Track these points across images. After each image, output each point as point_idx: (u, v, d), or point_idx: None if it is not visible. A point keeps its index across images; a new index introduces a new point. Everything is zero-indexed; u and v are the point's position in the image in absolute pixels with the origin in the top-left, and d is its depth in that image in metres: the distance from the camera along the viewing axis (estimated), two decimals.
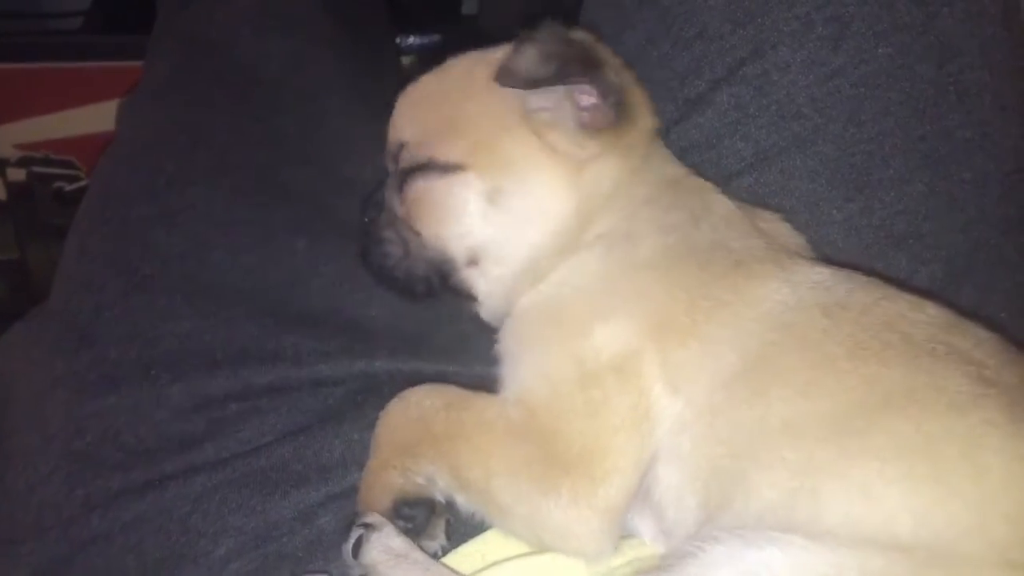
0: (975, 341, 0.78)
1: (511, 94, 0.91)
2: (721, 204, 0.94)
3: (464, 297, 0.98)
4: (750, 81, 1.01)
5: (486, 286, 0.96)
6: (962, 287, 0.96)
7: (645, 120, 0.96)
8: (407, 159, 0.95)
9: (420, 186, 0.94)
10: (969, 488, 0.69)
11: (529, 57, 0.88)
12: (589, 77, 0.89)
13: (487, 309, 0.98)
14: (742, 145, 1.02)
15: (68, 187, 2.13)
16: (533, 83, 0.89)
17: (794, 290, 0.83)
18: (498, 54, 0.94)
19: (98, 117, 2.07)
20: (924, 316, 0.80)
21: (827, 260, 0.92)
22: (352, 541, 0.85)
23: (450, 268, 0.96)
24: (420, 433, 0.87)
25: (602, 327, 0.84)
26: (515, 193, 0.92)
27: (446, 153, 0.93)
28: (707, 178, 1.02)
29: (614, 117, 0.92)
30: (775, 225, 0.95)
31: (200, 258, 1.08)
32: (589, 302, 0.88)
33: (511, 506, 0.84)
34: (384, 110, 1.48)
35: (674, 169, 0.99)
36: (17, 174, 2.13)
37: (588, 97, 0.91)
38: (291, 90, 1.37)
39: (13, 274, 2.13)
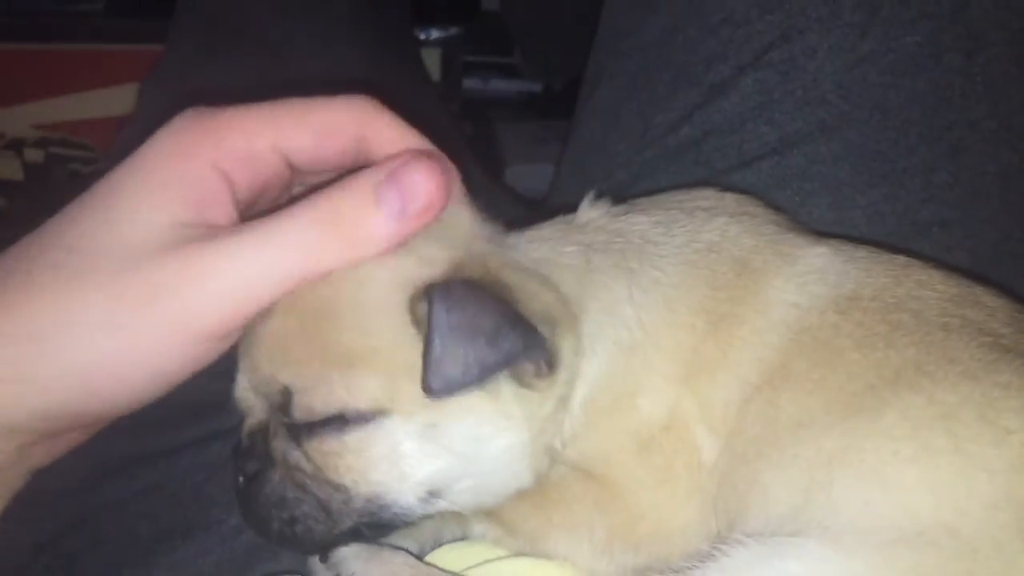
0: (989, 311, 0.76)
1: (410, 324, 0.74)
2: (654, 220, 0.85)
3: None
4: (776, 66, 1.01)
5: (466, 503, 0.80)
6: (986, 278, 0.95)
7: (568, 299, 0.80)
8: (303, 410, 0.74)
9: (334, 442, 0.75)
10: (991, 455, 0.65)
11: (451, 353, 0.70)
12: (530, 349, 0.73)
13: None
14: (766, 130, 1.01)
15: (84, 169, 2.14)
16: (477, 381, 0.71)
17: (801, 286, 0.79)
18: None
19: (117, 100, 2.07)
20: (934, 292, 0.77)
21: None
22: None
23: (397, 510, 0.77)
24: None
25: (644, 398, 0.79)
26: (456, 424, 0.75)
27: (358, 400, 0.73)
28: (728, 162, 1.02)
29: (548, 370, 0.76)
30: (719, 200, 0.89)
31: None
32: (622, 387, 0.80)
33: (564, 556, 0.80)
34: (402, 103, 1.49)
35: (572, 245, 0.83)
36: (35, 155, 2.13)
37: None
38: (311, 70, 1.37)
39: None
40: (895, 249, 0.84)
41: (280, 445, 0.77)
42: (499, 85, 2.61)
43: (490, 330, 0.71)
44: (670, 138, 1.06)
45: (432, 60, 2.28)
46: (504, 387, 0.75)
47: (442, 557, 0.84)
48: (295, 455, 0.76)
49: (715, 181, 0.98)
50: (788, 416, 0.73)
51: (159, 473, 0.95)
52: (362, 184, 0.72)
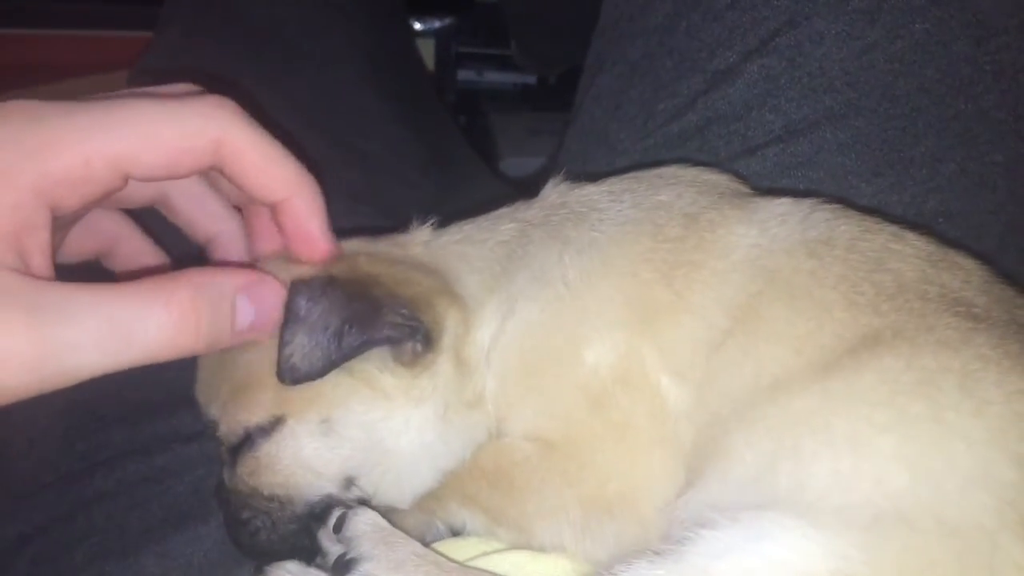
0: (964, 276, 0.75)
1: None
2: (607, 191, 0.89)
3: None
4: (782, 53, 0.99)
5: (391, 487, 0.83)
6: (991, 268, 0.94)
7: (456, 288, 0.84)
8: (224, 436, 0.82)
9: (250, 459, 0.81)
10: (970, 424, 0.63)
11: (299, 346, 0.74)
12: (378, 337, 0.77)
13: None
14: (771, 117, 0.99)
15: None
16: (321, 372, 0.75)
17: (763, 229, 0.79)
18: None
19: (107, 87, 2.04)
20: (911, 249, 0.77)
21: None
22: (334, 519, 0.79)
23: (326, 507, 0.82)
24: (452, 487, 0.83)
25: (588, 348, 0.79)
26: (346, 413, 0.80)
27: (256, 415, 0.79)
28: (732, 150, 1.01)
29: (424, 348, 0.80)
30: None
31: None
32: (560, 340, 0.81)
33: (553, 545, 0.79)
34: (397, 91, 1.47)
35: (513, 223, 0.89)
36: None
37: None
38: (304, 56, 1.35)
39: None
40: None
41: (227, 473, 0.83)
42: (493, 77, 2.59)
43: (338, 323, 0.75)
44: (673, 125, 1.04)
45: (426, 51, 2.26)
46: (376, 372, 0.79)
47: (439, 550, 0.82)
48: (235, 480, 0.82)
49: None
50: (768, 371, 0.72)
51: (155, 466, 0.94)
52: (225, 291, 0.69)
